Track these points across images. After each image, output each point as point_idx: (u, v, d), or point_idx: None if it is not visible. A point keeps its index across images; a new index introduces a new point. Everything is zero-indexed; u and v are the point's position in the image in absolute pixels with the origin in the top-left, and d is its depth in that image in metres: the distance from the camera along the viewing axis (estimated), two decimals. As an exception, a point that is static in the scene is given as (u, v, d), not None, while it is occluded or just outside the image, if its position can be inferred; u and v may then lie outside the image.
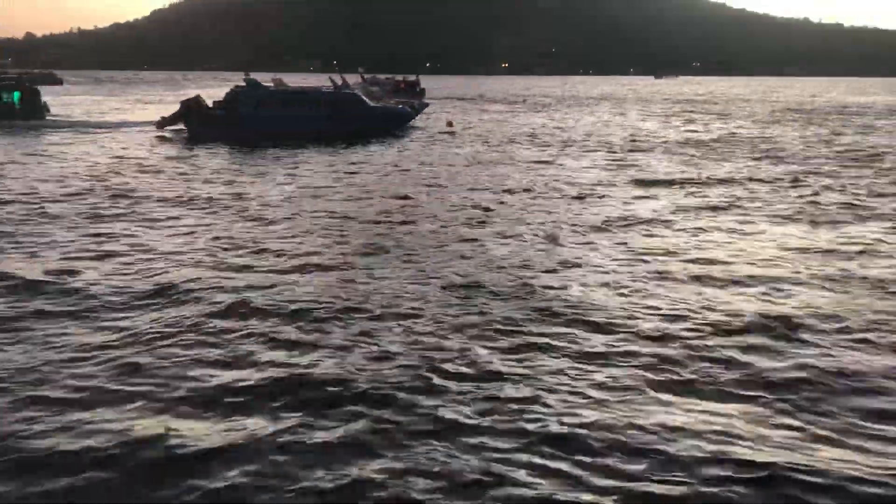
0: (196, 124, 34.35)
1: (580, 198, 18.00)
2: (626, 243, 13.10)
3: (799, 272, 11.20)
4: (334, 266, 11.41)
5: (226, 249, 12.53)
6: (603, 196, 18.36)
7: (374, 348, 8.02)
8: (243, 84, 35.01)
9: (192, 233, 13.90)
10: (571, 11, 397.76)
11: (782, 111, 59.79)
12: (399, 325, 8.76)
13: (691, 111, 59.66)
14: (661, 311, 9.26)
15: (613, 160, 26.10)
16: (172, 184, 20.17)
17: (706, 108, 65.54)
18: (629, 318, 9.03)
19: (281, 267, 11.35)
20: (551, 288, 10.26)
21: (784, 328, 8.66)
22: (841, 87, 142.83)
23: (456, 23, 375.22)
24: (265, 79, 39.45)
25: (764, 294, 9.99)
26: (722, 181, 21.04)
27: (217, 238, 13.41)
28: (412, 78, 66.82)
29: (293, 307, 9.28)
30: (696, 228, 14.39)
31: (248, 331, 8.53)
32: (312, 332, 8.53)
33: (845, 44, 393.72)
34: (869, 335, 8.54)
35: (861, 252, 12.53)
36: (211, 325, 8.77)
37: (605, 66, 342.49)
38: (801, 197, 18.31)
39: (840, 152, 28.91)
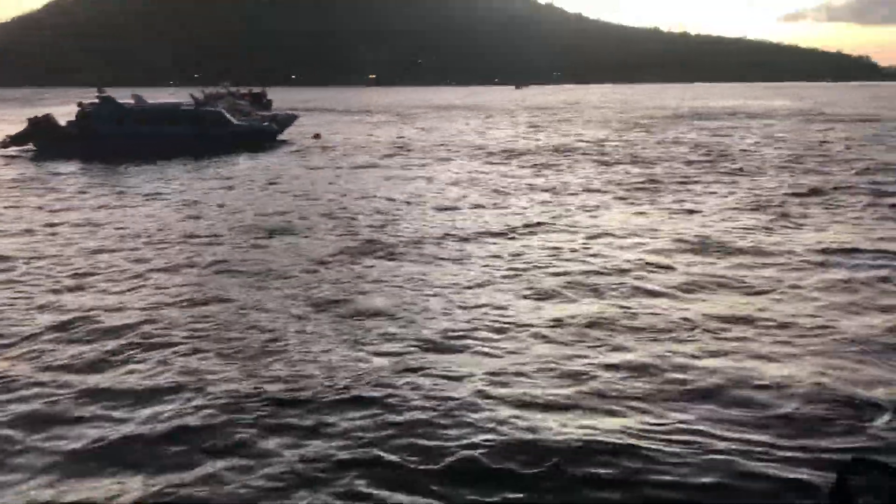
0: (45, 143, 32.62)
1: (448, 209, 17.89)
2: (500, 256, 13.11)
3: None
4: (191, 296, 10.84)
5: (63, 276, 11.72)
6: (476, 207, 18.40)
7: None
8: (97, 101, 33.46)
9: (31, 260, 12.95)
10: (438, 24, 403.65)
11: (629, 119, 62.19)
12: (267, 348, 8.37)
13: (548, 119, 61.34)
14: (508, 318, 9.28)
15: (483, 167, 26.39)
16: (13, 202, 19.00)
17: (564, 115, 67.70)
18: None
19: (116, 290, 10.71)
20: (429, 316, 10.09)
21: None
22: (689, 94, 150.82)
23: (323, 35, 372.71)
24: (123, 95, 37.75)
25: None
26: (586, 190, 21.63)
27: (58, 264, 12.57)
28: (258, 90, 64.71)
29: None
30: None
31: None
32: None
33: (691, 52, 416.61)
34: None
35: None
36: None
37: (470, 77, 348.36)
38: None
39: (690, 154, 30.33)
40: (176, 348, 8.40)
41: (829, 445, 6.18)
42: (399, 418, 6.67)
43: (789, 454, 6.06)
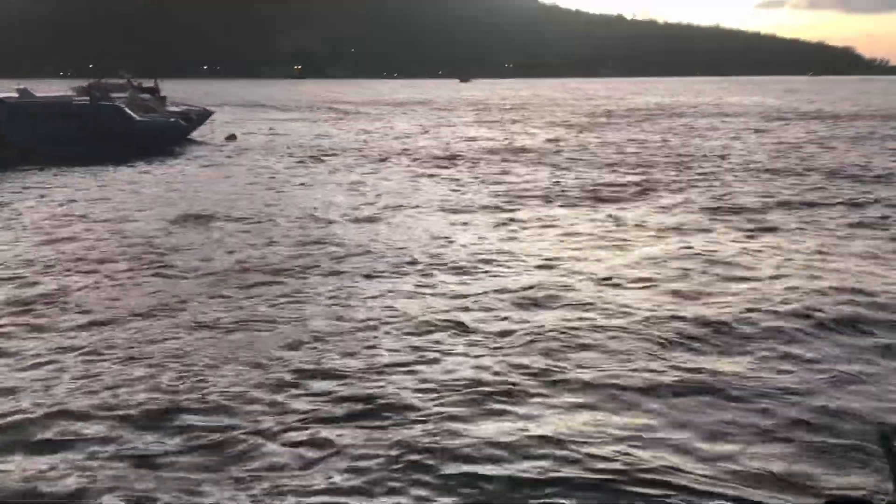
0: None
1: (372, 220, 18.25)
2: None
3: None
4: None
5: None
6: (412, 216, 18.86)
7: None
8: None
9: None
10: (376, 8, 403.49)
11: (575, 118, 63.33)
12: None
13: (494, 118, 62.21)
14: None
15: (419, 172, 26.88)
16: None
17: (513, 113, 68.72)
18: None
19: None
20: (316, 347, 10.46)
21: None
22: (655, 88, 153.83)
23: (239, 21, 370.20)
24: (5, 88, 37.30)
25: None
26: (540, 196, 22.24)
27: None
28: (150, 83, 62.65)
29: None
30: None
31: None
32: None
33: (660, 42, 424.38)
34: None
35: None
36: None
37: (412, 68, 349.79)
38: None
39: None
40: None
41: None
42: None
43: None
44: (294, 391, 8.13)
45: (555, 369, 8.66)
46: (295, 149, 36.21)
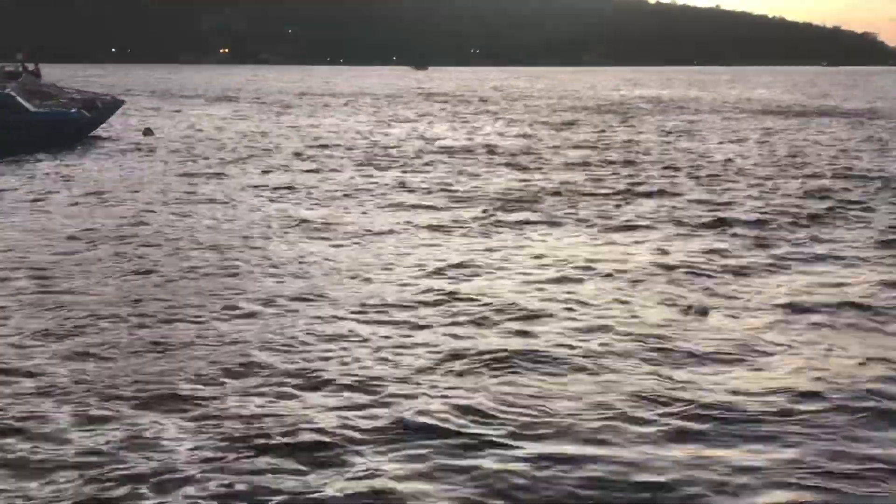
0: None
1: (319, 235, 18.33)
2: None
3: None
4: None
5: None
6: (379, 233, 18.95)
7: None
8: None
9: None
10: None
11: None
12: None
13: (454, 112, 63.08)
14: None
15: (362, 176, 27.18)
16: None
17: (477, 107, 69.57)
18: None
19: None
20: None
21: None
22: (644, 79, 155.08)
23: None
24: None
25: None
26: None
27: None
28: (31, 66, 60.03)
29: None
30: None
31: None
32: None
33: (651, 26, 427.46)
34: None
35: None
36: None
37: (358, 55, 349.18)
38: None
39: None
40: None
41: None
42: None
43: None
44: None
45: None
46: (216, 150, 35.92)
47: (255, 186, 24.91)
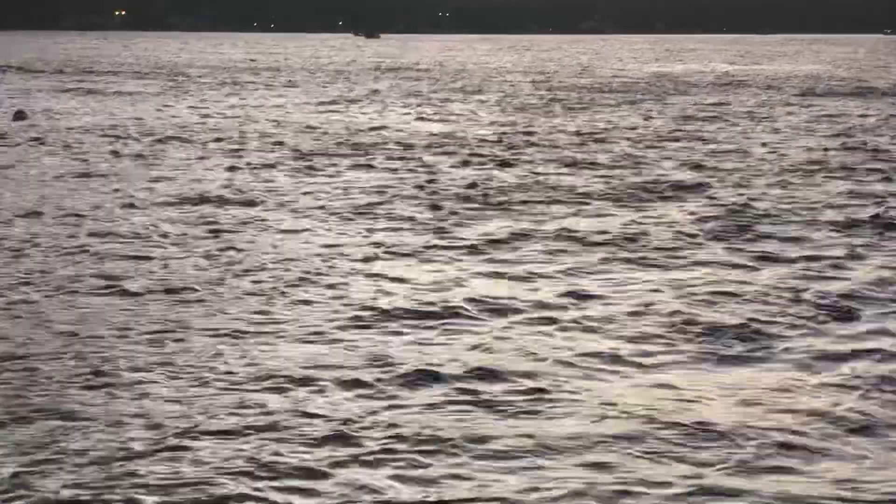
0: None
1: (228, 246, 18.46)
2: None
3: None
4: None
5: None
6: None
7: None
8: None
9: None
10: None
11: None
12: None
13: (414, 90, 63.78)
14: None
15: (290, 171, 27.52)
16: None
17: (446, 84, 70.24)
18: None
19: None
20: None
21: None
22: (659, 50, 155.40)
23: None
24: None
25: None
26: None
27: None
28: None
29: None
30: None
31: None
32: None
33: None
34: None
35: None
36: None
37: (294, 17, 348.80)
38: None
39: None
40: None
41: None
42: None
43: None
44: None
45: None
46: (115, 135, 36.14)
47: (149, 191, 24.79)
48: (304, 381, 10.67)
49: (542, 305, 13.99)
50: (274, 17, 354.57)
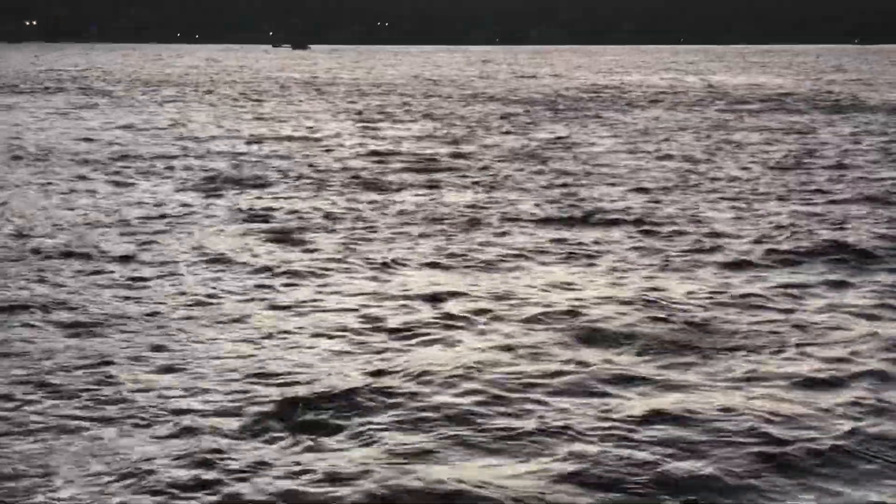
0: None
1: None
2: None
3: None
4: None
5: None
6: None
7: None
8: None
9: None
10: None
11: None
12: None
13: (349, 106, 64.21)
14: None
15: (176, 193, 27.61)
16: None
17: (382, 100, 70.72)
18: None
19: None
20: None
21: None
22: (605, 61, 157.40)
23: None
24: None
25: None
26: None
27: None
28: None
29: None
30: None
31: None
32: None
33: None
34: None
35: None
36: None
37: (219, 29, 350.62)
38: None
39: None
40: None
41: None
42: None
43: None
44: None
45: None
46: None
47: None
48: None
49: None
50: (198, 29, 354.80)
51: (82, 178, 30.88)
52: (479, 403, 11.93)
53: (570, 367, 13.20)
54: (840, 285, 17.62)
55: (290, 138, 43.00)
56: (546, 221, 23.75)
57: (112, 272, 18.55)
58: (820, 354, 13.69)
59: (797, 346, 14.20)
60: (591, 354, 13.83)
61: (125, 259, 19.65)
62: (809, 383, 12.63)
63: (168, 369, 13.16)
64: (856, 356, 13.67)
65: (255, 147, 39.27)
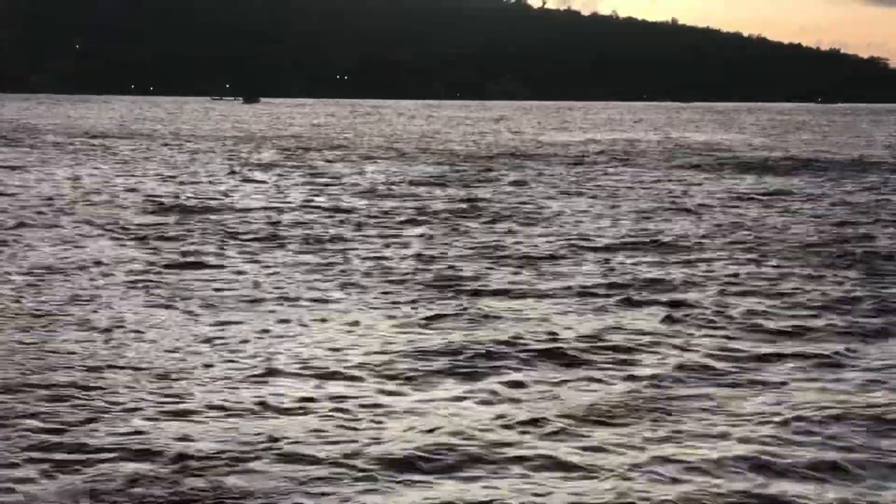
0: None
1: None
2: None
3: None
4: None
5: None
6: None
7: None
8: None
9: None
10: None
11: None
12: None
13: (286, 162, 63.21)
14: None
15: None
16: None
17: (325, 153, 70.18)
18: None
19: None
20: None
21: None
22: (548, 118, 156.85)
23: None
24: None
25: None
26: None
27: None
28: None
29: None
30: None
31: None
32: None
33: (585, 45, 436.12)
34: None
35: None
36: None
37: (174, 81, 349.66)
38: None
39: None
40: None
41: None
42: None
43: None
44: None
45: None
46: None
47: None
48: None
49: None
50: (152, 80, 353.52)
51: None
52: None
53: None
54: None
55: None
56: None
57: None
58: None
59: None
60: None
61: None
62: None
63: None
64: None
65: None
